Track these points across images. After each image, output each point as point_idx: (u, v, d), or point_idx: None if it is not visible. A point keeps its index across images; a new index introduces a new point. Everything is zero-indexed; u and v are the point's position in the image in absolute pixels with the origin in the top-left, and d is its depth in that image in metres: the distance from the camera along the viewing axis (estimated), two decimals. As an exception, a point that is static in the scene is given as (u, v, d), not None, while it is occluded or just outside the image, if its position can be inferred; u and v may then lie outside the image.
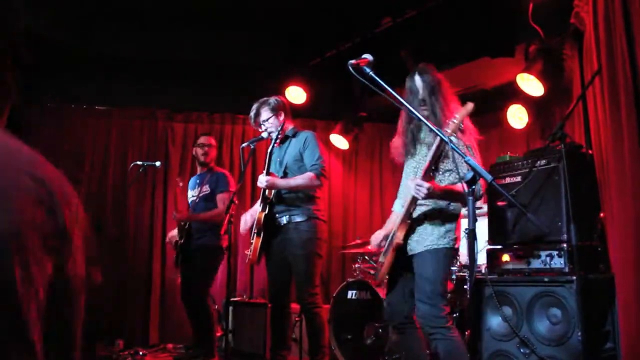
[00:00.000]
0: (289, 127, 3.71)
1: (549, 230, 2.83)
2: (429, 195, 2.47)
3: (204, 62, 5.57)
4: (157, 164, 4.72)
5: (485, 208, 3.59)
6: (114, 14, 5.09)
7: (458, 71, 4.43)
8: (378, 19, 4.75)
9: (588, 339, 2.56)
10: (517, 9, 3.94)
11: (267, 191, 3.52)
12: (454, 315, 3.55)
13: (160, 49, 5.41)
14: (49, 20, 4.76)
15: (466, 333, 3.27)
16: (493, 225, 3.17)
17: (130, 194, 5.47)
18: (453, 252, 2.70)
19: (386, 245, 2.76)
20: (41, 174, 0.78)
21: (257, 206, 3.59)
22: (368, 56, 2.21)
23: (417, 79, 2.73)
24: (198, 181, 4.56)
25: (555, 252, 2.79)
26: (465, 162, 2.02)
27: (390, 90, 2.22)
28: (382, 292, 3.93)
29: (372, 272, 3.05)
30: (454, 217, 2.70)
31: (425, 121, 2.23)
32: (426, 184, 2.45)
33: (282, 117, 3.67)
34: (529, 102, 4.45)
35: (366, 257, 4.52)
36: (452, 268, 3.75)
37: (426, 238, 2.63)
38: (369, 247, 3.03)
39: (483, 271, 3.28)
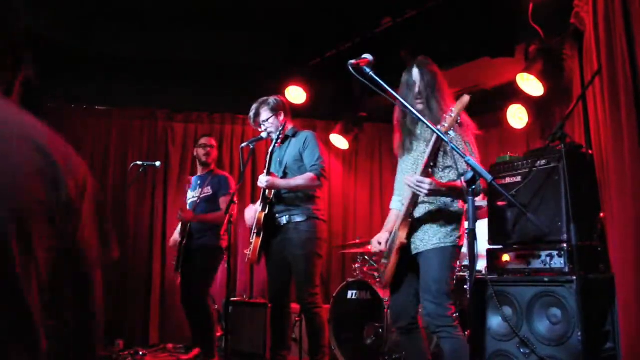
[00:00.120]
0: (289, 127, 3.71)
1: (549, 230, 2.82)
2: (431, 192, 2.45)
3: (204, 62, 5.57)
4: (157, 164, 4.73)
5: (484, 204, 3.59)
6: (114, 14, 5.09)
7: (458, 71, 4.43)
8: (378, 19, 4.75)
9: (588, 339, 2.56)
10: (517, 9, 3.94)
11: (267, 191, 3.52)
12: (455, 315, 3.54)
13: (160, 49, 5.42)
14: (49, 20, 4.76)
15: (466, 333, 3.27)
16: (493, 225, 3.17)
17: (130, 194, 5.48)
18: (457, 250, 2.68)
19: (388, 247, 2.74)
20: (44, 144, 0.78)
21: (259, 204, 3.60)
22: (368, 56, 2.21)
23: (415, 71, 2.72)
24: (199, 182, 4.56)
25: (555, 252, 2.79)
26: (466, 162, 2.02)
27: (390, 90, 2.22)
28: (381, 292, 3.93)
29: (376, 275, 3.03)
30: (459, 215, 2.69)
31: (425, 120, 2.20)
32: (427, 180, 2.43)
33: (281, 117, 3.67)
34: (529, 102, 4.46)
35: (366, 257, 4.52)
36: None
37: (432, 237, 2.61)
38: (369, 247, 3.02)
39: (483, 271, 3.28)
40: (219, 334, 4.59)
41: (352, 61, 2.19)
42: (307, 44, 5.33)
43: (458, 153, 2.08)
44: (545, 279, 2.78)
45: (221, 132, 5.92)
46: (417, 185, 2.45)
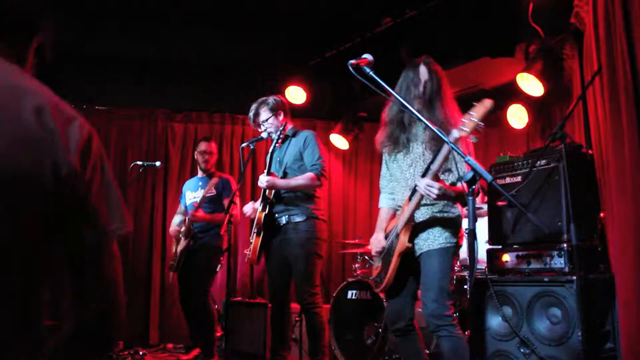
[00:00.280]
0: (289, 126, 3.70)
1: (549, 230, 2.82)
2: (439, 196, 2.44)
3: (204, 62, 5.57)
4: (157, 164, 4.73)
5: (485, 208, 3.59)
6: (114, 14, 5.09)
7: (458, 71, 4.43)
8: (378, 19, 4.75)
9: (588, 338, 2.55)
10: (517, 9, 3.94)
11: (267, 191, 3.52)
12: (454, 315, 3.55)
13: (160, 49, 5.41)
14: (49, 20, 4.75)
15: (466, 333, 3.27)
16: (493, 225, 3.17)
17: (130, 194, 5.47)
18: (457, 250, 2.70)
19: (385, 249, 2.73)
20: (44, 109, 0.75)
21: (259, 203, 3.60)
22: (368, 56, 2.21)
23: (423, 69, 2.68)
24: (200, 183, 4.58)
25: (555, 252, 2.79)
26: (466, 162, 2.02)
27: (391, 90, 2.22)
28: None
29: (372, 278, 3.01)
30: (459, 216, 2.71)
31: (431, 125, 2.16)
32: (437, 184, 2.42)
33: (281, 117, 3.67)
34: (529, 102, 4.46)
35: (366, 257, 4.52)
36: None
37: (437, 238, 2.62)
38: (369, 247, 3.02)
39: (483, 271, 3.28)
40: (218, 334, 4.59)
41: (352, 61, 2.18)
42: (307, 44, 5.33)
43: (458, 153, 2.07)
44: (545, 279, 2.78)
45: (221, 132, 5.92)
46: (427, 189, 2.43)
